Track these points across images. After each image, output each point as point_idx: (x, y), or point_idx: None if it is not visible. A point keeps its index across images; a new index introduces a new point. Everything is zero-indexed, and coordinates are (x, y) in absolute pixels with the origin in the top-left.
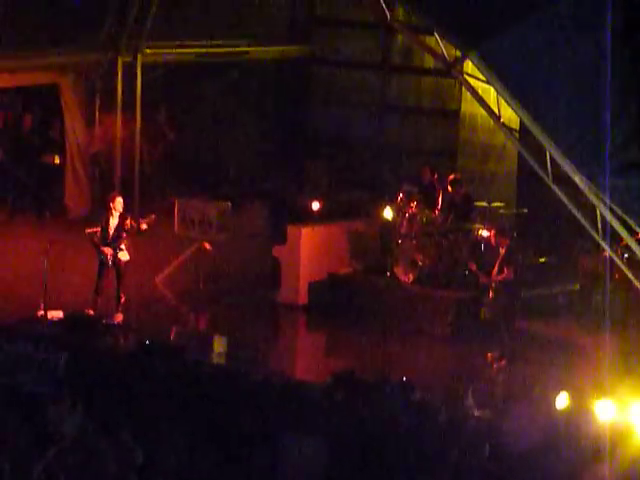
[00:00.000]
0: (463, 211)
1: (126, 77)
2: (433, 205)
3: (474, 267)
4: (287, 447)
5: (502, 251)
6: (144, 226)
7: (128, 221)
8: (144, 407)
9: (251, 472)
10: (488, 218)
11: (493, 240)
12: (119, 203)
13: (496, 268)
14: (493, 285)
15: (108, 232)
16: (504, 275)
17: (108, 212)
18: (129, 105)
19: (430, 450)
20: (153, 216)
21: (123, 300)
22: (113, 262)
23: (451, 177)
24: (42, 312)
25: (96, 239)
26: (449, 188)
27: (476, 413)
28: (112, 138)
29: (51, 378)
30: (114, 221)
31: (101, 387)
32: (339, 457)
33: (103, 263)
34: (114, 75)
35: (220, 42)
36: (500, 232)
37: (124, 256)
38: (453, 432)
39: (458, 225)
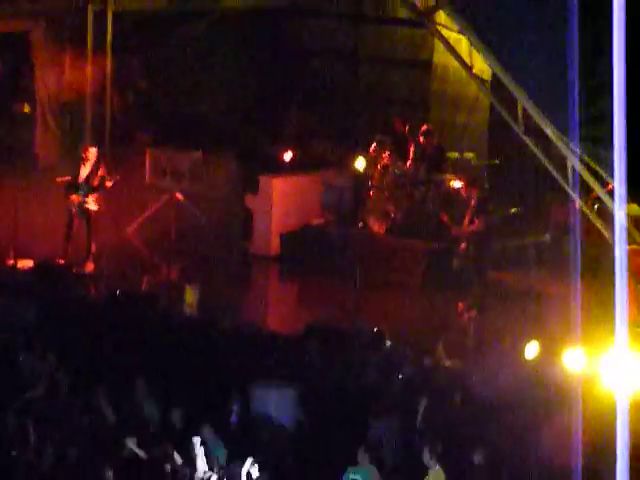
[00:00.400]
0: (435, 162)
1: (97, 25)
2: (405, 156)
3: (445, 218)
4: (259, 397)
5: (473, 202)
6: (108, 184)
7: (100, 172)
8: (115, 357)
9: (224, 423)
10: (460, 169)
11: (464, 191)
12: (92, 153)
13: (467, 219)
14: (464, 236)
15: (78, 181)
16: (475, 226)
17: (80, 161)
18: (100, 54)
19: (400, 399)
20: (117, 176)
21: (93, 249)
22: (82, 211)
23: (423, 128)
24: (12, 261)
25: (66, 187)
26: (421, 139)
27: (447, 363)
28: (83, 87)
29: (21, 327)
30: (85, 171)
31: (72, 337)
32: (311, 407)
33: (72, 212)
34: (85, 23)
35: None
36: (470, 183)
37: (93, 205)
38: (423, 381)
39: (430, 176)
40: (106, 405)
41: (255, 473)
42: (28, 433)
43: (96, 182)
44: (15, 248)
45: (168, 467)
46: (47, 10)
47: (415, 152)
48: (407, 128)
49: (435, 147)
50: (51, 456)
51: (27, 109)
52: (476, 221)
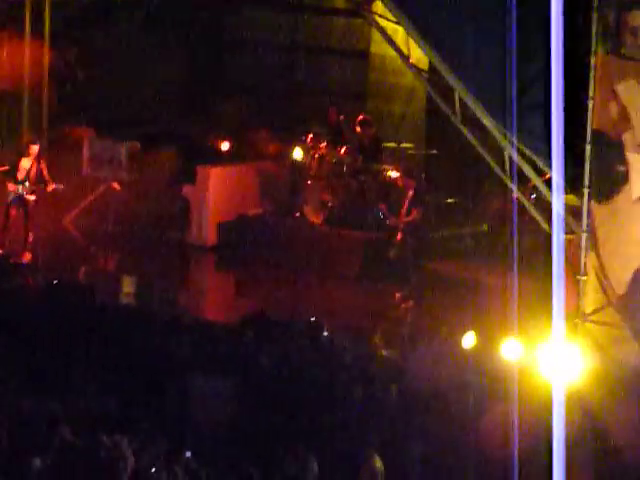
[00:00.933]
0: (372, 152)
1: (35, 13)
2: (341, 146)
3: (384, 208)
4: (196, 388)
5: (409, 193)
6: (50, 188)
7: (40, 167)
8: (52, 347)
9: (161, 414)
10: (397, 159)
11: (401, 181)
12: (34, 149)
13: (404, 209)
14: (401, 226)
15: (17, 172)
16: (412, 217)
17: (21, 154)
18: (38, 43)
19: (336, 389)
20: (61, 186)
21: (31, 239)
22: (20, 201)
23: (360, 118)
24: None
25: (3, 177)
26: (357, 129)
27: (383, 352)
28: (19, 76)
29: None
30: (25, 164)
31: (8, 326)
32: (248, 398)
33: (9, 201)
34: (23, 11)
35: None
36: (407, 173)
37: (31, 196)
38: (359, 371)
39: (367, 166)
40: (41, 394)
41: (192, 465)
42: None
43: (36, 176)
44: None
45: (103, 456)
46: None
47: (352, 142)
48: (341, 118)
49: (372, 137)
50: None
51: None
52: (413, 211)
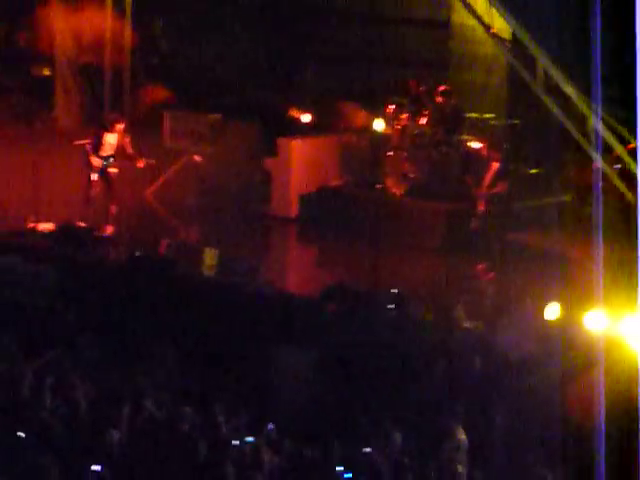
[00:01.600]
0: (453, 123)
1: None
2: (423, 117)
3: (470, 180)
4: (278, 360)
5: (494, 164)
6: (140, 164)
7: (125, 142)
8: (134, 320)
9: (243, 386)
10: (479, 129)
11: (485, 152)
12: (119, 126)
13: (488, 180)
14: (485, 197)
15: (102, 146)
16: (498, 188)
17: (105, 128)
18: (119, 16)
19: (419, 361)
20: (154, 162)
21: (113, 212)
22: (103, 174)
23: (441, 88)
24: (32, 224)
25: (87, 150)
26: (438, 99)
27: (466, 324)
28: (102, 49)
29: (41, 290)
30: (111, 139)
31: (92, 300)
32: (330, 370)
33: (92, 175)
34: None
35: None
36: (491, 145)
37: (113, 169)
38: (442, 343)
39: (449, 137)
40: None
41: (274, 437)
42: (45, 394)
43: (119, 151)
44: (35, 211)
45: (186, 429)
46: None
47: (433, 113)
48: (421, 89)
49: (453, 108)
50: (67, 416)
51: (47, 72)
52: (499, 184)
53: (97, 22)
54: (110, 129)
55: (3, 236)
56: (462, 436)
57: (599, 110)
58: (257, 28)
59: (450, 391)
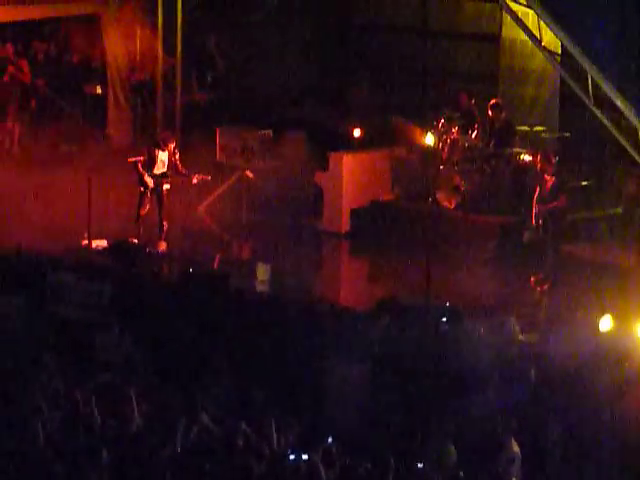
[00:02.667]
0: (503, 136)
1: (167, 6)
2: (473, 130)
3: (535, 194)
4: (332, 373)
5: (548, 178)
6: (194, 180)
7: (176, 159)
8: (189, 335)
9: (297, 399)
10: (530, 142)
11: (539, 165)
12: (170, 144)
13: (540, 192)
14: (540, 210)
15: (154, 163)
16: (558, 202)
17: (158, 146)
18: (170, 34)
19: (472, 374)
20: (209, 177)
21: (166, 228)
22: (154, 190)
23: (492, 102)
24: (86, 241)
25: (140, 167)
26: (489, 113)
27: (521, 337)
28: (154, 68)
29: (96, 307)
30: (163, 156)
31: (146, 316)
32: (384, 382)
33: (144, 191)
34: (155, 4)
35: None
36: (546, 158)
37: (165, 185)
38: (497, 356)
39: (500, 150)
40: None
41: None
42: (103, 412)
43: (171, 168)
44: (89, 228)
45: (240, 443)
46: None
47: (483, 126)
48: (472, 102)
49: (503, 121)
50: (125, 433)
51: (99, 90)
52: (560, 197)
53: (149, 40)
54: (162, 147)
55: (58, 253)
56: (516, 448)
57: None
58: (308, 42)
59: (504, 404)
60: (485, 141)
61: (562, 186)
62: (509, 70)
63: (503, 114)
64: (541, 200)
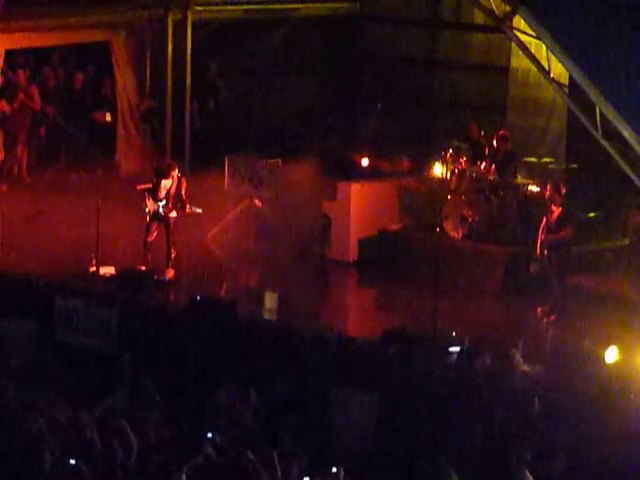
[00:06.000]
0: (505, 167)
1: (176, 34)
2: (482, 161)
3: (542, 226)
4: (339, 402)
5: (555, 208)
6: (188, 211)
7: (181, 185)
8: (195, 363)
9: (304, 428)
10: (537, 173)
11: (547, 194)
12: (174, 171)
13: (546, 222)
14: (546, 241)
15: (159, 191)
16: (565, 233)
17: (163, 174)
18: (179, 62)
19: (478, 404)
20: (200, 210)
21: (173, 256)
22: (161, 218)
23: (500, 132)
24: (94, 268)
25: (145, 195)
26: (495, 143)
27: (525, 367)
28: (163, 95)
29: (104, 333)
30: (167, 183)
31: (153, 343)
32: (391, 411)
33: (151, 219)
34: (164, 32)
35: None
36: (556, 188)
37: (172, 213)
38: (501, 386)
39: (507, 180)
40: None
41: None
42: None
43: (175, 196)
44: (97, 255)
45: (250, 470)
46: (127, 20)
47: (487, 156)
48: (482, 134)
49: (507, 152)
50: (131, 461)
51: (108, 118)
52: (564, 229)
53: (157, 68)
54: (166, 175)
55: (66, 280)
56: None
57: None
58: (316, 72)
59: (508, 433)
60: (493, 172)
61: (568, 217)
62: (519, 100)
63: (509, 145)
64: (547, 230)
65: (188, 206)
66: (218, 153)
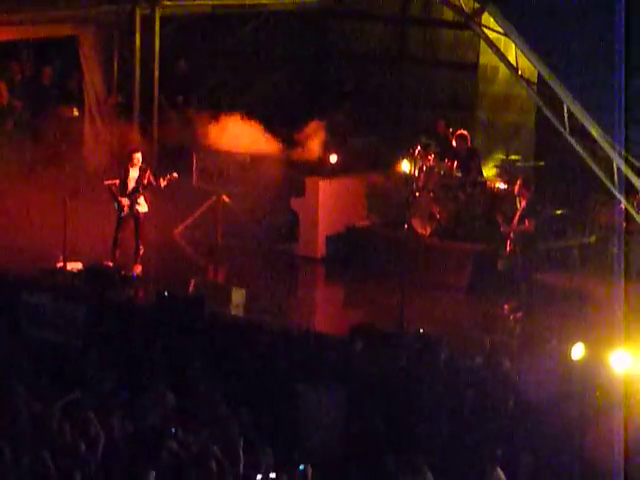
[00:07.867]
0: (467, 165)
1: (144, 29)
2: (449, 158)
3: (500, 218)
4: (307, 398)
5: (523, 203)
6: (163, 183)
7: (147, 174)
8: (162, 359)
9: (271, 423)
10: (505, 171)
11: (517, 190)
12: (137, 158)
13: (516, 219)
14: (511, 237)
15: (127, 184)
16: (525, 227)
17: (127, 165)
18: (147, 57)
19: (445, 398)
20: (175, 174)
21: (142, 252)
22: (131, 214)
23: (457, 132)
24: (61, 263)
25: (114, 190)
26: (454, 143)
27: (492, 364)
28: (131, 90)
29: (70, 329)
30: (134, 174)
31: (120, 339)
32: (358, 407)
33: (121, 215)
34: (132, 27)
35: None
36: (525, 184)
37: (142, 208)
38: (469, 382)
39: (475, 178)
40: (150, 405)
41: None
42: (69, 433)
43: (144, 184)
44: (64, 250)
45: (213, 466)
46: (95, 15)
47: (447, 153)
48: (450, 130)
49: (468, 150)
50: (94, 457)
51: (76, 112)
52: (526, 222)
53: (125, 62)
54: (131, 163)
55: (33, 275)
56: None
57: (623, 152)
58: (284, 68)
59: (476, 429)
60: (460, 168)
61: (531, 211)
62: (488, 97)
63: (468, 144)
64: (512, 224)
65: (161, 179)
66: (187, 148)
